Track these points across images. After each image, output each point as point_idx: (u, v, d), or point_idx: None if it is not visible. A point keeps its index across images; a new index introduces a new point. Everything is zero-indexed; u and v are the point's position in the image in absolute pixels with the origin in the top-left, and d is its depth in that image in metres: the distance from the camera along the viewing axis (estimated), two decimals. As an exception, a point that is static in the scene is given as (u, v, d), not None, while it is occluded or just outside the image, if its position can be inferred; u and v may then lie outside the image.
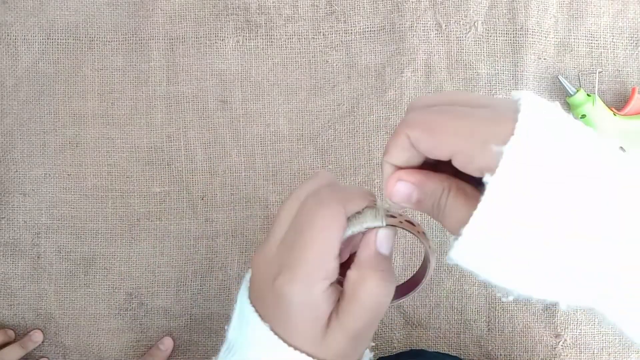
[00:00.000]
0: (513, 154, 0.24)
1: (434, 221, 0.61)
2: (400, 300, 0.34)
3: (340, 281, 0.29)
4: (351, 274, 0.28)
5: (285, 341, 0.28)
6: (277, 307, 0.28)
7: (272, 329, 0.28)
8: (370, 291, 0.28)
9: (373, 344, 0.32)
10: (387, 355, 0.64)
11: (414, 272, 0.34)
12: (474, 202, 0.25)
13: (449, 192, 0.27)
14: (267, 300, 0.28)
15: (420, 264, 0.35)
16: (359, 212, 0.29)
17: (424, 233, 0.31)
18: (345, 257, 0.31)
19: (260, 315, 0.29)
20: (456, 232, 0.25)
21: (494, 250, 0.25)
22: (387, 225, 0.29)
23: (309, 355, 0.28)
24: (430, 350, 0.65)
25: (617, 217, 0.23)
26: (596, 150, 0.25)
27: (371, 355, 0.31)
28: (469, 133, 0.25)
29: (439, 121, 0.26)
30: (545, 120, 0.26)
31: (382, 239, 0.29)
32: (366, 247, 0.29)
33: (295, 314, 0.27)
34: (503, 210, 0.24)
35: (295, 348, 0.28)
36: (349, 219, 0.29)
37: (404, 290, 0.34)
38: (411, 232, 0.30)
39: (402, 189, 0.28)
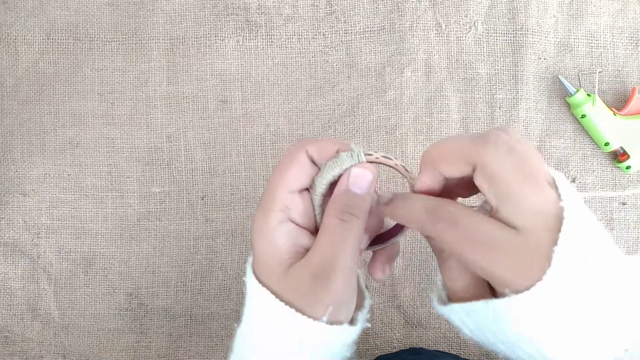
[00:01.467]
0: (553, 277, 0.24)
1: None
2: (375, 248, 0.34)
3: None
4: (326, 215, 0.29)
5: (257, 277, 0.29)
6: (253, 250, 0.29)
7: (252, 268, 0.30)
8: (332, 219, 0.28)
9: (368, 316, 0.32)
10: (386, 353, 0.64)
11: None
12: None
13: None
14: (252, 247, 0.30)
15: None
16: (336, 157, 0.30)
17: (403, 167, 0.32)
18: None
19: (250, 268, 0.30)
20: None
21: (554, 310, 0.24)
22: (364, 161, 0.30)
23: (272, 291, 0.28)
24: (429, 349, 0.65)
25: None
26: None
27: (367, 321, 0.31)
28: (504, 278, 0.25)
29: (472, 250, 0.25)
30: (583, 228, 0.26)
31: (355, 177, 0.29)
32: (338, 185, 0.30)
33: (257, 245, 0.29)
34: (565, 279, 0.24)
35: (263, 284, 0.28)
36: (325, 164, 0.30)
37: (385, 236, 0.34)
38: (389, 166, 0.31)
39: None
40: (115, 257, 0.65)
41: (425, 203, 0.27)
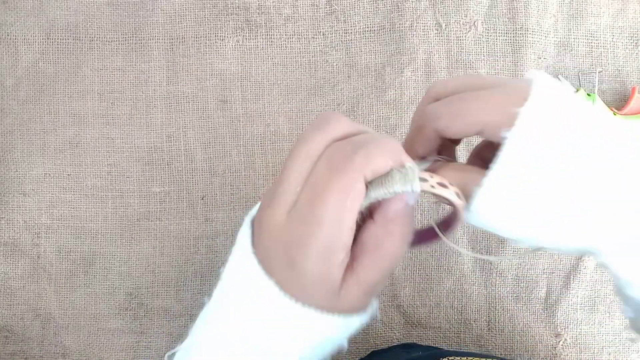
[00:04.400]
0: (528, 113, 0.27)
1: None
2: (419, 246, 0.33)
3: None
4: (377, 230, 0.28)
5: (297, 301, 0.27)
6: (291, 275, 0.27)
7: (279, 287, 0.27)
8: (396, 244, 0.28)
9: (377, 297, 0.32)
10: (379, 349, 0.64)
11: (438, 222, 0.31)
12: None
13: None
14: (279, 268, 0.28)
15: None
16: (386, 178, 0.26)
17: (458, 194, 0.28)
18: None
19: (265, 270, 0.28)
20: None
21: (514, 198, 0.28)
22: (419, 191, 0.26)
23: (323, 311, 0.27)
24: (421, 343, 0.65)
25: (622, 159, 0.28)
26: (597, 110, 0.29)
27: (376, 304, 0.31)
28: (491, 108, 0.28)
29: (462, 107, 0.29)
30: (554, 87, 0.30)
31: (410, 194, 0.28)
32: (395, 202, 0.27)
33: (311, 283, 0.27)
34: (522, 158, 0.27)
35: (309, 306, 0.27)
36: (371, 182, 0.26)
37: (417, 239, 0.32)
38: (444, 197, 0.27)
39: None
40: (115, 257, 0.65)
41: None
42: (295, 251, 0.27)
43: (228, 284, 0.31)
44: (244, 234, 0.30)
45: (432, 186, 0.27)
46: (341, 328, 0.29)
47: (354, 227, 0.27)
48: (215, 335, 0.31)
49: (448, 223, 0.31)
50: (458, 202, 0.28)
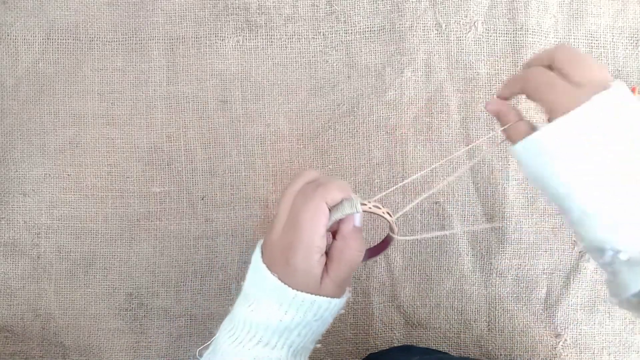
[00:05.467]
0: (604, 97, 0.37)
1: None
2: (368, 260, 0.49)
3: (326, 251, 0.42)
4: (338, 243, 0.42)
5: (291, 288, 0.40)
6: (287, 270, 0.40)
7: (280, 279, 0.40)
8: (352, 252, 0.42)
9: (349, 288, 0.44)
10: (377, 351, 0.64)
11: (381, 241, 0.47)
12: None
13: None
14: (278, 266, 0.41)
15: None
16: (339, 203, 0.41)
17: (389, 213, 0.43)
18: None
19: (270, 270, 0.41)
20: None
21: (582, 144, 0.37)
22: (361, 211, 0.42)
23: (310, 294, 0.40)
24: (418, 346, 0.65)
25: None
26: None
27: (350, 293, 0.44)
28: (560, 107, 0.38)
29: (546, 90, 0.40)
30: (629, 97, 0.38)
31: (356, 218, 0.42)
32: (347, 223, 0.42)
33: (300, 275, 0.40)
34: (593, 117, 0.37)
35: (300, 290, 0.40)
36: (331, 209, 0.41)
37: (371, 254, 0.47)
38: (377, 214, 0.43)
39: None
40: (115, 257, 0.65)
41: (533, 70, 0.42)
42: (288, 252, 0.40)
43: (247, 285, 0.43)
44: (256, 252, 0.43)
45: (370, 208, 0.42)
46: (326, 307, 0.41)
47: (324, 235, 0.40)
48: (239, 322, 0.42)
49: (388, 239, 0.47)
50: (389, 217, 0.43)
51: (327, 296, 0.41)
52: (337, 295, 0.42)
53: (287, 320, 0.40)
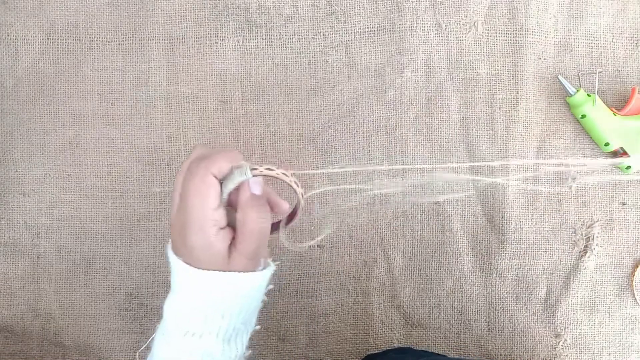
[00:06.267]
0: None
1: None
2: (278, 232, 0.46)
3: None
4: (237, 215, 0.40)
5: (194, 265, 0.39)
6: (186, 252, 0.39)
7: (185, 262, 0.39)
8: (253, 221, 0.40)
9: (277, 262, 0.44)
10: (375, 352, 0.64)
11: (290, 210, 0.46)
12: None
13: None
14: (180, 249, 0.40)
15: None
16: (230, 173, 0.40)
17: (284, 174, 0.41)
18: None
19: (181, 259, 0.40)
20: None
21: None
22: (253, 176, 0.40)
23: (216, 271, 0.39)
24: (416, 348, 0.65)
25: None
26: None
27: (274, 266, 0.43)
28: None
29: None
30: None
31: (252, 184, 0.41)
32: (243, 192, 0.40)
33: (200, 253, 0.39)
34: None
35: (206, 268, 0.39)
36: (224, 180, 0.40)
37: (281, 223, 0.46)
38: (273, 177, 0.41)
39: None
40: (115, 257, 0.65)
41: None
42: (183, 233, 0.39)
43: (171, 278, 0.42)
44: (169, 242, 0.42)
45: (261, 171, 0.40)
46: (241, 282, 0.40)
47: (217, 208, 0.39)
48: (166, 317, 0.41)
49: (295, 209, 0.45)
50: (285, 178, 0.41)
51: (238, 271, 0.39)
52: (249, 268, 0.40)
53: (204, 303, 0.39)
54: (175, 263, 0.40)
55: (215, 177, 0.39)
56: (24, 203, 0.65)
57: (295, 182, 0.42)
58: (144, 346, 0.43)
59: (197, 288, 0.40)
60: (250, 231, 0.40)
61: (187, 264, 0.39)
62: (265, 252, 0.43)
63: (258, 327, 0.44)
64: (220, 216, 0.39)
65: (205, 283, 0.39)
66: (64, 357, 0.65)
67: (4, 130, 0.65)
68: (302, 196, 0.43)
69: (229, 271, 0.39)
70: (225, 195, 0.40)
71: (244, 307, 0.41)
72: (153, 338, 0.42)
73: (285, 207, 0.46)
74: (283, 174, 0.41)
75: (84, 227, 0.65)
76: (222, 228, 0.40)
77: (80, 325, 0.65)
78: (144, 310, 0.65)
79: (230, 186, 0.40)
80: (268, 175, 0.41)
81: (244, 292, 0.40)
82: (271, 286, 0.43)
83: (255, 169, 0.40)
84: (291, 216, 0.46)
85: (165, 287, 0.65)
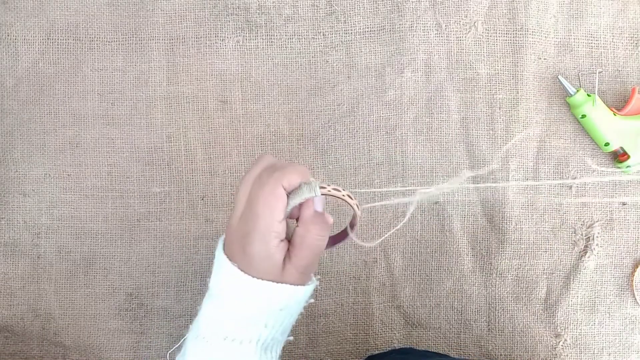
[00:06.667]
0: None
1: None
2: (333, 247, 0.46)
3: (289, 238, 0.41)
4: (298, 229, 0.41)
5: (252, 275, 0.39)
6: (245, 259, 0.39)
7: (240, 269, 0.39)
8: (313, 238, 0.40)
9: (319, 276, 0.44)
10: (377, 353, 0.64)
11: (344, 227, 0.46)
12: None
13: None
14: (237, 256, 0.40)
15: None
16: (298, 187, 0.40)
17: (349, 196, 0.42)
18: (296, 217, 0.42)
19: (236, 265, 0.40)
20: None
21: None
22: (320, 195, 0.41)
23: (270, 281, 0.39)
24: (418, 348, 0.65)
25: None
26: None
27: (317, 281, 0.43)
28: None
29: None
30: None
31: (317, 202, 0.41)
32: (307, 209, 0.41)
33: (258, 262, 0.39)
34: None
35: (261, 279, 0.39)
36: (290, 194, 0.40)
37: (335, 240, 0.46)
38: (337, 197, 0.42)
39: None
40: (115, 257, 0.65)
41: None
42: (244, 240, 0.39)
43: (212, 281, 0.42)
44: (219, 245, 0.42)
45: (329, 191, 0.41)
46: (290, 295, 0.40)
47: (282, 221, 0.39)
48: (204, 319, 0.41)
49: (352, 222, 0.45)
50: (349, 200, 0.42)
51: (290, 284, 0.40)
52: (301, 282, 0.41)
53: (250, 311, 0.39)
54: (229, 269, 0.40)
55: (285, 189, 0.40)
56: (24, 203, 0.65)
57: (356, 205, 0.43)
58: (176, 347, 0.43)
59: (247, 295, 0.40)
60: (308, 246, 0.40)
61: (242, 271, 0.39)
62: (316, 267, 0.43)
63: (291, 337, 0.44)
64: (283, 228, 0.40)
65: (258, 292, 0.39)
66: (64, 357, 0.65)
67: (4, 130, 0.65)
68: (360, 218, 0.44)
69: (282, 282, 0.40)
70: (289, 209, 0.40)
71: (287, 318, 0.41)
72: (185, 339, 0.42)
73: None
74: (348, 196, 0.42)
75: (84, 227, 0.65)
76: (282, 240, 0.40)
77: (80, 325, 0.65)
78: (144, 310, 0.65)
79: (296, 200, 0.40)
80: (334, 196, 0.42)
81: (290, 304, 0.41)
82: (312, 300, 0.43)
83: (324, 187, 0.41)
84: (345, 234, 0.46)
85: (166, 287, 0.65)
